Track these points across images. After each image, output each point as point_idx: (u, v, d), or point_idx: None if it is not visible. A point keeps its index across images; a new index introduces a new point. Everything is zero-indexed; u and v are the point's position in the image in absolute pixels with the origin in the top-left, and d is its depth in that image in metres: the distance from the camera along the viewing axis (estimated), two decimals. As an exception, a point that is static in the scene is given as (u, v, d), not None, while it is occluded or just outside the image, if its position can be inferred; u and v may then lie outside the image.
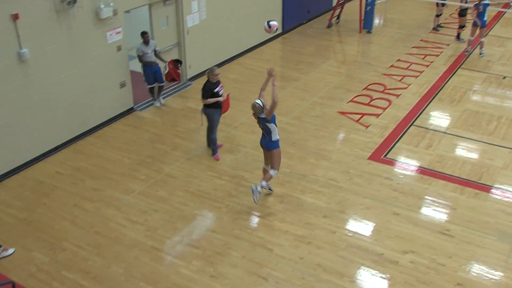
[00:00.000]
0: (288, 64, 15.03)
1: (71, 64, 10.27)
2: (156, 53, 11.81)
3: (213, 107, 9.72)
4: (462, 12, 16.53)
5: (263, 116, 8.34)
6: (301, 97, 12.76)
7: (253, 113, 8.47)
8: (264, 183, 8.67)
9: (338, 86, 13.37)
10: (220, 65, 14.33)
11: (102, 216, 8.58)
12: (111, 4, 10.62)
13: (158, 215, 8.58)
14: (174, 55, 13.06)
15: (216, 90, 9.59)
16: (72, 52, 10.21)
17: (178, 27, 12.99)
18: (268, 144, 8.59)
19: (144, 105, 12.28)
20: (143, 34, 11.57)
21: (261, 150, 8.99)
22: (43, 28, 9.56)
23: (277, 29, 8.95)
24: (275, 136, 8.52)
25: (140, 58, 11.70)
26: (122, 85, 11.60)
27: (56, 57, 9.94)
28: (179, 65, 11.87)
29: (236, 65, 14.69)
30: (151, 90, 12.23)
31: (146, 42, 11.59)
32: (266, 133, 8.54)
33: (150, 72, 11.88)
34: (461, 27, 16.70)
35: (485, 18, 15.23)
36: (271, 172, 8.74)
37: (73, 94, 10.51)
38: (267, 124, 8.40)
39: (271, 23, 8.80)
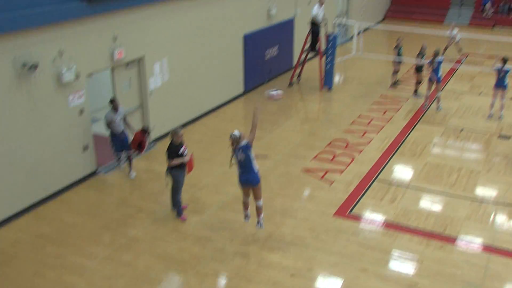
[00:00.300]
0: (251, 123, 15.33)
1: (32, 129, 10.30)
2: (125, 120, 11.65)
3: (178, 168, 9.84)
4: (418, 69, 17.36)
5: (244, 144, 8.72)
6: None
7: (233, 146, 8.80)
8: (261, 216, 9.31)
9: (301, 144, 13.70)
10: (183, 126, 14.53)
11: (64, 284, 8.42)
12: (74, 67, 10.80)
13: (123, 281, 8.48)
14: (137, 118, 13.22)
15: (180, 151, 9.75)
16: (33, 116, 10.26)
17: (141, 89, 13.21)
18: (254, 178, 8.97)
19: (108, 168, 12.28)
20: (112, 101, 11.41)
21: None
22: (3, 93, 9.62)
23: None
24: (256, 166, 8.93)
25: (109, 125, 11.52)
26: (85, 148, 11.64)
27: (17, 122, 9.96)
28: (146, 135, 11.67)
29: (200, 126, 14.92)
30: (119, 158, 12.06)
31: (115, 109, 11.41)
32: (246, 165, 8.84)
33: (118, 140, 11.74)
34: (418, 83, 17.49)
35: (440, 74, 16.02)
36: (260, 203, 9.23)
37: (35, 158, 10.48)
38: (248, 153, 8.75)
39: (272, 93, 9.67)
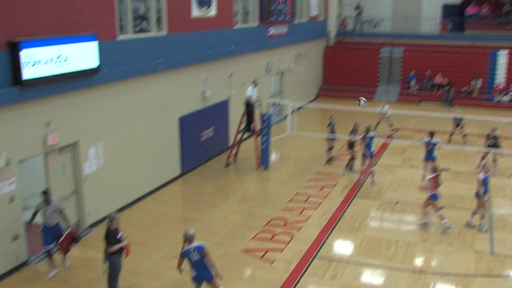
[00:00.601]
0: (188, 205, 15.41)
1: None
2: (61, 213, 11.13)
3: (116, 254, 9.72)
4: (351, 145, 18.15)
5: (199, 245, 8.97)
6: (204, 238, 12.90)
7: (184, 244, 8.98)
8: None
9: (240, 224, 13.81)
10: (120, 210, 14.39)
11: None
12: (3, 154, 10.66)
13: None
14: (72, 203, 13.02)
15: (118, 236, 9.67)
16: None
17: (76, 174, 13.11)
18: (208, 273, 9.10)
19: (40, 258, 11.89)
20: (44, 193, 10.96)
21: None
22: None
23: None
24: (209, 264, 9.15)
25: (34, 215, 11.03)
26: (15, 238, 11.29)
27: None
28: (73, 244, 11.12)
29: (137, 209, 14.81)
30: (48, 252, 11.19)
31: (47, 201, 10.95)
32: (200, 264, 9.01)
33: (49, 233, 11.11)
34: (352, 158, 18.22)
35: (373, 149, 16.81)
36: None
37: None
38: (203, 255, 8.99)
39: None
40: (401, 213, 14.64)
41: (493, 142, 17.75)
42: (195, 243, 9.10)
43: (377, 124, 23.39)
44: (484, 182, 13.14)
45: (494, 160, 17.98)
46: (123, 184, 14.73)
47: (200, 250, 9.05)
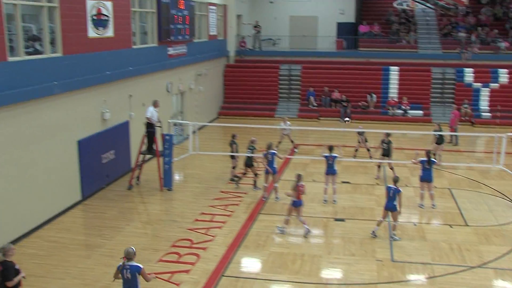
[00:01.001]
0: (90, 231, 14.99)
1: None
2: None
3: (15, 286, 9.30)
4: (248, 163, 18.51)
5: (135, 265, 8.97)
6: (108, 263, 12.68)
7: (124, 260, 8.95)
8: None
9: (145, 247, 13.62)
10: (16, 241, 13.71)
11: None
12: None
13: None
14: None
15: (17, 267, 9.27)
16: None
17: (-37, 206, 12.37)
18: None
19: None
20: None
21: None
22: None
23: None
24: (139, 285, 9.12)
25: None
26: None
27: None
28: None
29: (35, 239, 14.18)
30: None
31: None
32: (132, 284, 9.01)
33: None
34: (255, 174, 18.56)
35: (275, 165, 17.23)
36: None
37: None
38: (136, 272, 9.04)
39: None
40: (313, 227, 15.06)
41: (386, 147, 19.24)
42: (133, 263, 9.13)
43: (279, 141, 23.97)
44: (394, 193, 13.97)
45: (391, 168, 19.18)
46: (19, 213, 14.06)
47: (134, 270, 9.08)
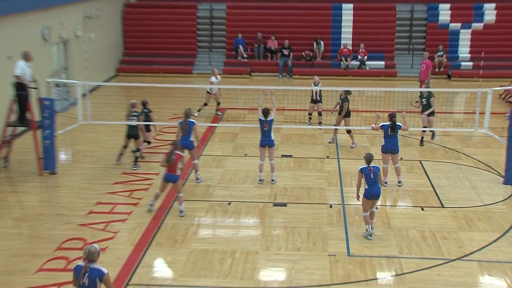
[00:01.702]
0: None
1: None
2: None
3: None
4: (131, 134, 18.44)
5: (97, 269, 8.97)
6: (-32, 275, 12.28)
7: (83, 260, 8.98)
8: None
9: (19, 253, 13.22)
10: None
11: None
12: None
13: None
14: None
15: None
16: None
17: None
18: None
19: None
20: None
21: None
22: None
23: None
24: None
25: None
26: None
27: None
28: None
29: None
30: None
31: None
32: None
33: None
34: (137, 150, 18.62)
35: (192, 139, 17.07)
36: None
37: None
38: (97, 278, 8.97)
39: None
40: (236, 215, 15.08)
41: (342, 104, 20.09)
42: (96, 266, 9.02)
43: (205, 103, 23.76)
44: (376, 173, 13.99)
45: (349, 132, 20.34)
46: None
47: (95, 275, 8.98)
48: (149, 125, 19.09)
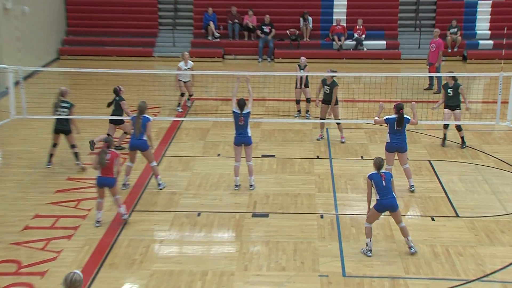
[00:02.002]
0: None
1: None
2: None
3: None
4: (62, 130, 18.47)
5: None
6: None
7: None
8: None
9: None
10: None
11: None
12: None
13: None
14: None
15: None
16: None
17: None
18: None
19: None
20: None
21: None
22: None
23: None
24: None
25: None
26: None
27: None
28: None
29: None
30: None
31: None
32: None
33: None
34: (72, 146, 18.64)
35: (144, 138, 16.98)
36: None
37: None
38: None
39: None
40: (207, 228, 15.06)
41: (328, 90, 20.34)
42: None
43: (182, 92, 23.71)
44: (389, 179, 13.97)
45: (338, 123, 20.44)
46: None
47: None
48: (121, 115, 19.32)
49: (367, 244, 13.89)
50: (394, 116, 16.58)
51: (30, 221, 15.49)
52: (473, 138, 21.04)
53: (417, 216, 15.96)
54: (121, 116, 19.32)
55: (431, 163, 19.02)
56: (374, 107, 21.49)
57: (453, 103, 19.89)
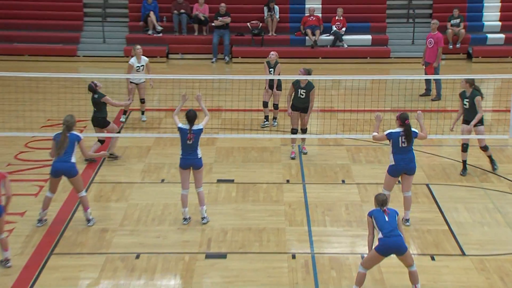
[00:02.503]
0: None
1: None
2: None
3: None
4: None
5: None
6: None
7: None
8: None
9: None
10: None
11: None
12: None
13: None
14: None
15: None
16: None
17: None
18: None
19: None
20: None
21: None
22: None
23: None
24: None
25: None
26: None
27: None
28: None
29: None
30: None
31: None
32: None
33: None
34: None
35: (73, 159, 16.91)
36: None
37: None
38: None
39: None
40: (150, 274, 14.98)
41: (303, 94, 20.34)
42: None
43: (129, 98, 23.55)
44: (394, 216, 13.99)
45: (305, 131, 20.78)
46: None
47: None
48: (105, 116, 19.78)
49: None
50: (398, 130, 16.25)
51: None
52: (481, 156, 21.07)
53: (414, 254, 15.87)
54: (105, 116, 19.74)
55: (429, 188, 19.08)
56: (357, 119, 21.56)
57: (471, 117, 19.41)
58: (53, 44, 32.48)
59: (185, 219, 17.05)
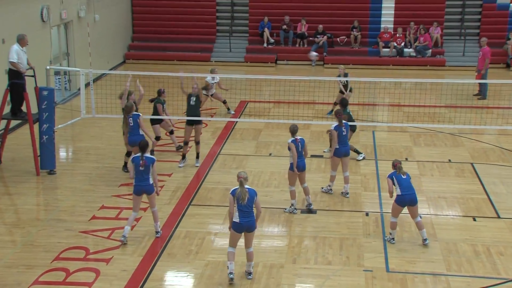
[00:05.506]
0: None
1: None
2: None
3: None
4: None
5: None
6: None
7: None
8: None
9: (12, 264, 13.32)
10: None
11: None
12: None
13: None
14: None
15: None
16: None
17: None
18: None
19: None
20: None
21: None
22: None
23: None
24: None
25: None
26: None
27: None
28: None
29: None
30: None
31: None
32: None
33: None
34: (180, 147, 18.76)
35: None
36: None
37: None
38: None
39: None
40: (259, 222, 14.93)
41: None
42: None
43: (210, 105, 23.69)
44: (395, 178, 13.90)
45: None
46: None
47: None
48: (157, 118, 19.12)
49: (390, 233, 14.22)
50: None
51: (96, 212, 15.66)
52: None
53: (459, 216, 15.74)
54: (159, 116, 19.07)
55: (473, 166, 18.75)
56: (418, 112, 21.24)
57: None
58: (194, 52, 32.74)
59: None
